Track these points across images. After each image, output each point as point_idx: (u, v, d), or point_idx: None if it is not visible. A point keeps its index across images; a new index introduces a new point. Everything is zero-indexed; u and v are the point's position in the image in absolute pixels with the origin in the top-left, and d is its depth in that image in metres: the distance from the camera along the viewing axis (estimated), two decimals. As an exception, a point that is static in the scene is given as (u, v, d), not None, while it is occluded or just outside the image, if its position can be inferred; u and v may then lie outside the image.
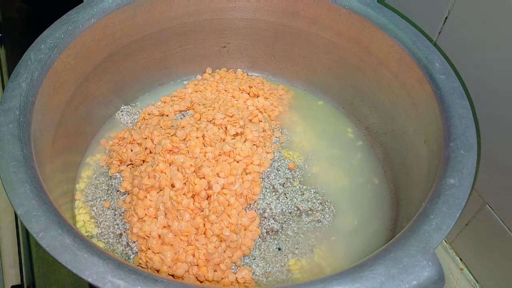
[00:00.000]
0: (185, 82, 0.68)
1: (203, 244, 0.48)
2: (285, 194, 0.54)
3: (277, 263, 0.51)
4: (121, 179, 0.55)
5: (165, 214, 0.49)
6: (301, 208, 0.53)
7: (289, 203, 0.54)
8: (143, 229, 0.49)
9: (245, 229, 0.51)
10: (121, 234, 0.51)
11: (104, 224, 0.52)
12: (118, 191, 0.54)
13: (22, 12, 0.73)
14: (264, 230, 0.52)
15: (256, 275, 0.50)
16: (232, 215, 0.50)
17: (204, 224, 0.49)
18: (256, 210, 0.52)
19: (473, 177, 0.40)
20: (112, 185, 0.55)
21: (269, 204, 0.53)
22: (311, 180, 0.58)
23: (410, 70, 0.50)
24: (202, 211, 0.49)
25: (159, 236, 0.49)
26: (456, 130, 0.43)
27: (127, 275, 0.32)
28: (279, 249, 0.52)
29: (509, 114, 0.46)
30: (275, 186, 0.54)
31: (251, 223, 0.51)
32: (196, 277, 0.48)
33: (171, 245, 0.48)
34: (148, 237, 0.49)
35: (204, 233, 0.49)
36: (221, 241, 0.49)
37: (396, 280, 0.33)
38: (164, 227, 0.49)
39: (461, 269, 0.60)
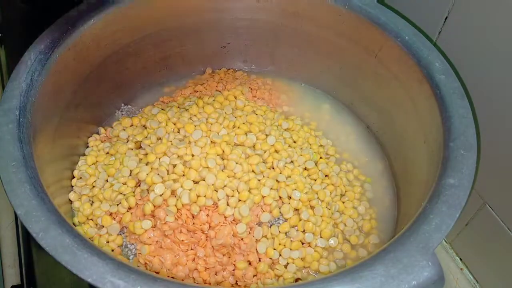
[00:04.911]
0: (184, 82, 0.68)
1: (205, 255, 0.47)
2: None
3: (277, 263, 0.51)
4: (121, 179, 0.55)
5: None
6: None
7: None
8: (141, 235, 0.48)
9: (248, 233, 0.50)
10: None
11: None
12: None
13: (22, 12, 0.73)
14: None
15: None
16: (238, 227, 0.48)
17: (206, 238, 0.48)
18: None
19: (473, 177, 0.40)
20: (112, 185, 0.55)
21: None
22: (311, 180, 0.57)
23: (410, 70, 0.50)
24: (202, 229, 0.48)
25: (157, 242, 0.49)
26: (456, 130, 0.43)
27: (127, 275, 0.33)
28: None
29: (509, 114, 0.46)
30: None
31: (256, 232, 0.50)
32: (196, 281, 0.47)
33: (171, 249, 0.48)
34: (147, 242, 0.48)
35: (204, 247, 0.48)
36: (223, 255, 0.48)
37: (396, 280, 0.33)
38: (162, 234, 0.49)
39: (461, 269, 0.60)
